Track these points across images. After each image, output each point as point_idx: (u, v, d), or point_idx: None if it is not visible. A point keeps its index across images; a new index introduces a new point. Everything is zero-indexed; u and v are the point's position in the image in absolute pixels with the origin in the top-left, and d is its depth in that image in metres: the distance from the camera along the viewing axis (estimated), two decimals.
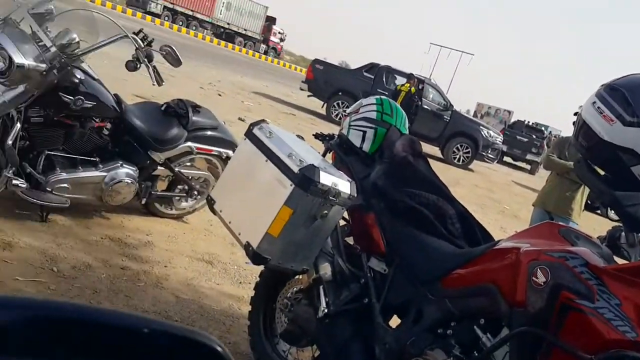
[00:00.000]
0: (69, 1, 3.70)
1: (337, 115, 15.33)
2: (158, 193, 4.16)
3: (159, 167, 4.03)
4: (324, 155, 2.83)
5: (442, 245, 2.40)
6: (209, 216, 4.54)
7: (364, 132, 2.75)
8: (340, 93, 15.48)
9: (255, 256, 2.34)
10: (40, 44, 3.25)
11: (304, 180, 2.29)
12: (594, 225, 10.93)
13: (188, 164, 4.24)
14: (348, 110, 2.92)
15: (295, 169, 2.32)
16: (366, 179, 2.60)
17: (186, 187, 4.30)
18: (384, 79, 15.60)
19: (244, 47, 38.28)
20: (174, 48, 3.62)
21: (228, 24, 37.46)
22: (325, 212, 2.36)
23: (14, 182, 3.32)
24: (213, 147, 4.23)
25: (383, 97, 2.89)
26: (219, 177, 4.37)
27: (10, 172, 3.32)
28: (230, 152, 4.31)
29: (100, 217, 3.97)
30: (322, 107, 15.95)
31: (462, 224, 2.54)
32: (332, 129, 13.59)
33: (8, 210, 3.54)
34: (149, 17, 31.40)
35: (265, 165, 2.44)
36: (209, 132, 4.21)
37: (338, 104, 15.47)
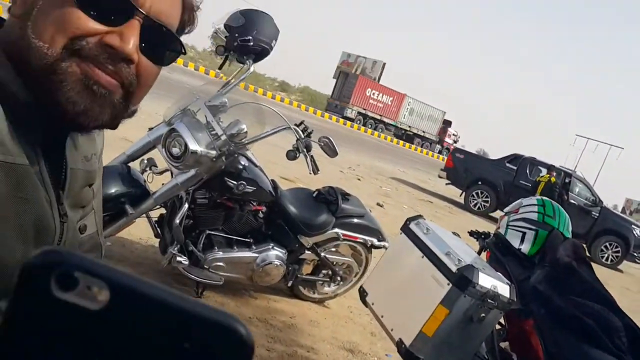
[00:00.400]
0: (241, 93, 4.02)
1: (475, 204, 15.01)
2: (303, 276, 4.27)
3: (306, 251, 4.15)
4: (479, 253, 2.77)
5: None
6: (349, 302, 4.58)
7: (524, 233, 2.67)
8: (480, 182, 15.19)
9: (407, 354, 2.30)
10: (212, 132, 3.55)
11: (462, 280, 2.25)
12: None
13: (333, 249, 4.32)
14: (506, 210, 2.87)
15: (454, 268, 2.29)
16: (525, 282, 2.51)
17: (330, 272, 4.37)
18: (527, 171, 15.10)
19: (421, 147, 42.36)
20: (331, 139, 3.79)
21: (409, 126, 42.30)
22: (482, 315, 2.28)
23: (178, 258, 3.57)
24: (359, 234, 4.30)
25: (545, 198, 2.81)
26: (363, 264, 4.45)
27: (175, 249, 3.58)
28: (374, 240, 4.35)
29: (248, 297, 4.12)
30: (460, 195, 15.70)
31: (630, 338, 2.35)
32: (470, 219, 13.35)
33: (168, 284, 3.78)
34: (341, 120, 36.04)
35: (421, 261, 2.44)
36: (355, 220, 4.29)
37: (477, 193, 15.17)
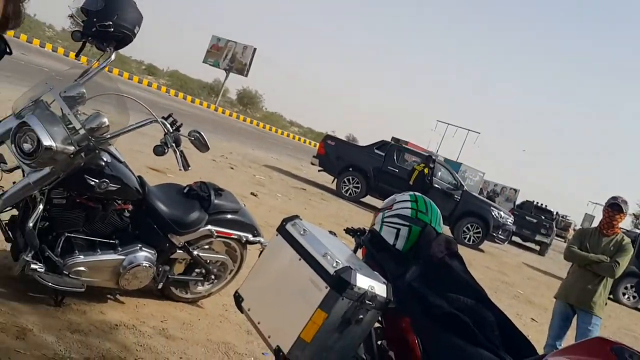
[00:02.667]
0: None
1: (347, 190, 15.36)
2: (175, 277, 4.05)
3: (177, 250, 3.94)
4: (354, 251, 2.75)
5: (483, 355, 2.27)
6: (223, 300, 4.43)
7: (398, 230, 2.68)
8: (350, 169, 15.58)
9: None
10: (69, 126, 3.23)
11: (340, 282, 2.20)
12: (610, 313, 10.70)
13: (206, 247, 4.14)
14: (381, 205, 2.86)
15: (331, 270, 2.24)
16: (400, 279, 2.51)
17: (203, 271, 4.19)
18: (394, 157, 15.71)
19: None
20: (202, 133, 3.60)
21: None
22: (361, 316, 2.25)
23: (32, 266, 3.22)
24: (233, 230, 4.15)
25: (417, 193, 2.84)
26: (238, 260, 4.31)
27: (29, 255, 3.23)
28: (249, 236, 4.23)
29: (114, 301, 3.84)
30: (332, 182, 15.99)
31: (502, 332, 2.43)
32: (341, 204, 13.62)
33: (22, 293, 3.43)
34: (212, 106, 35.67)
35: (298, 264, 2.36)
36: (229, 216, 4.14)
37: (349, 179, 15.54)
